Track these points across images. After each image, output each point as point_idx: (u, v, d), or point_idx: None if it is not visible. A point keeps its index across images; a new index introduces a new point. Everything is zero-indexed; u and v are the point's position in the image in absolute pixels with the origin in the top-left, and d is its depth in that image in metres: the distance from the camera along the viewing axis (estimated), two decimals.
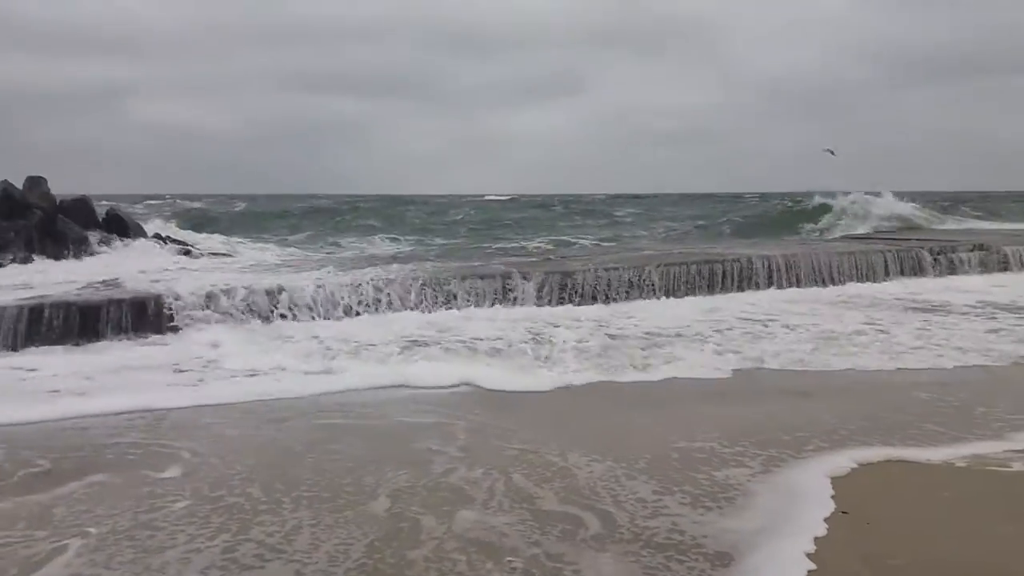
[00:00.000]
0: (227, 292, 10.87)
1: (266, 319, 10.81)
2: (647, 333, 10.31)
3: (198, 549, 4.22)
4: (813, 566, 3.90)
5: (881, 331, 10.48)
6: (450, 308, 11.90)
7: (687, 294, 13.68)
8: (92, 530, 4.49)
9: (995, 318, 11.51)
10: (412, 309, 11.70)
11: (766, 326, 10.78)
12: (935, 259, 16.39)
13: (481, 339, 9.76)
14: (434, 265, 14.63)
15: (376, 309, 11.54)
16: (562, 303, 12.59)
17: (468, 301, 12.13)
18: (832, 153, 28.96)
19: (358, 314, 11.37)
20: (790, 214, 29.95)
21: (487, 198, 70.79)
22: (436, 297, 11.97)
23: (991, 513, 4.68)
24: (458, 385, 7.78)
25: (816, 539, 4.19)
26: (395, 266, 14.32)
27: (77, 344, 9.62)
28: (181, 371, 8.45)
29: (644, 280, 13.47)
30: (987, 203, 43.60)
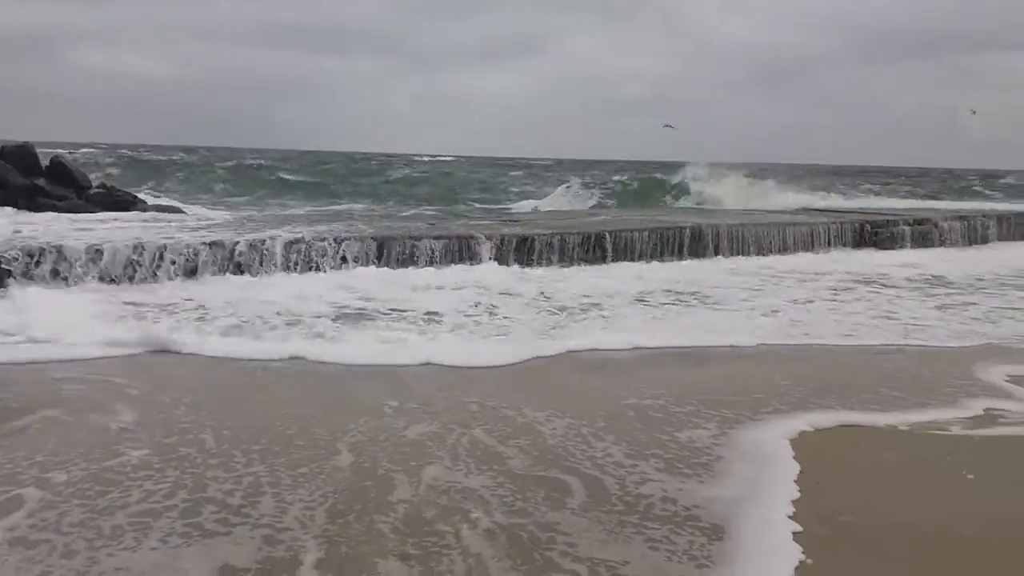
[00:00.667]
0: (172, 248, 10.54)
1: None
2: (592, 298, 10.16)
3: (155, 511, 4.00)
4: (798, 527, 3.88)
5: (824, 301, 10.59)
6: (402, 267, 11.64)
7: (637, 259, 13.70)
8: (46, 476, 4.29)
9: (936, 292, 11.76)
10: (346, 266, 11.32)
11: (703, 298, 10.60)
12: (875, 232, 16.70)
13: (433, 311, 9.13)
14: (386, 225, 14.36)
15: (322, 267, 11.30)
16: (518, 264, 12.50)
17: (420, 261, 11.93)
18: (672, 127, 29.16)
19: (323, 270, 11.12)
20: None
21: (442, 158, 69.89)
22: (386, 257, 11.74)
23: (935, 475, 4.77)
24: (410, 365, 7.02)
25: (793, 502, 4.17)
26: (339, 224, 14.01)
27: None
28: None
29: (595, 245, 13.45)
30: (921, 179, 44.72)
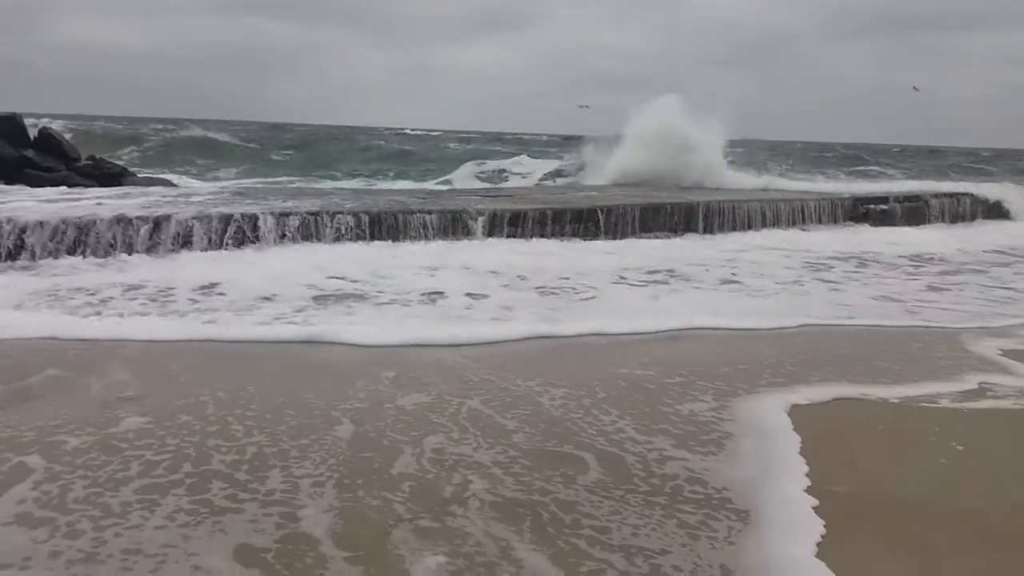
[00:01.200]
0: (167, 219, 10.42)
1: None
2: (584, 276, 9.94)
3: (160, 486, 3.93)
4: (816, 501, 3.87)
5: (817, 282, 10.48)
6: (394, 242, 11.54)
7: (629, 234, 13.67)
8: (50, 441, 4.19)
9: (928, 269, 11.80)
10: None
11: (694, 277, 10.37)
12: (865, 209, 16.73)
13: (424, 289, 8.77)
14: (378, 199, 14.24)
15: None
16: (511, 239, 12.44)
17: (412, 237, 11.84)
18: (586, 107, 28.95)
19: (315, 245, 10.99)
20: None
21: (433, 132, 69.21)
22: (378, 231, 11.64)
23: (936, 447, 4.76)
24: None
25: (806, 475, 4.16)
26: (330, 199, 13.87)
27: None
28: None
29: (587, 220, 13.40)
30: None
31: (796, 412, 5.23)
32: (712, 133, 20.69)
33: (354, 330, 6.92)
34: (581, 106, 27.94)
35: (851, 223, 16.32)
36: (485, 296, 8.65)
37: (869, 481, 4.22)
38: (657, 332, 7.43)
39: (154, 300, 7.94)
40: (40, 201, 11.63)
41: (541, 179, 25.17)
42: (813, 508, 3.79)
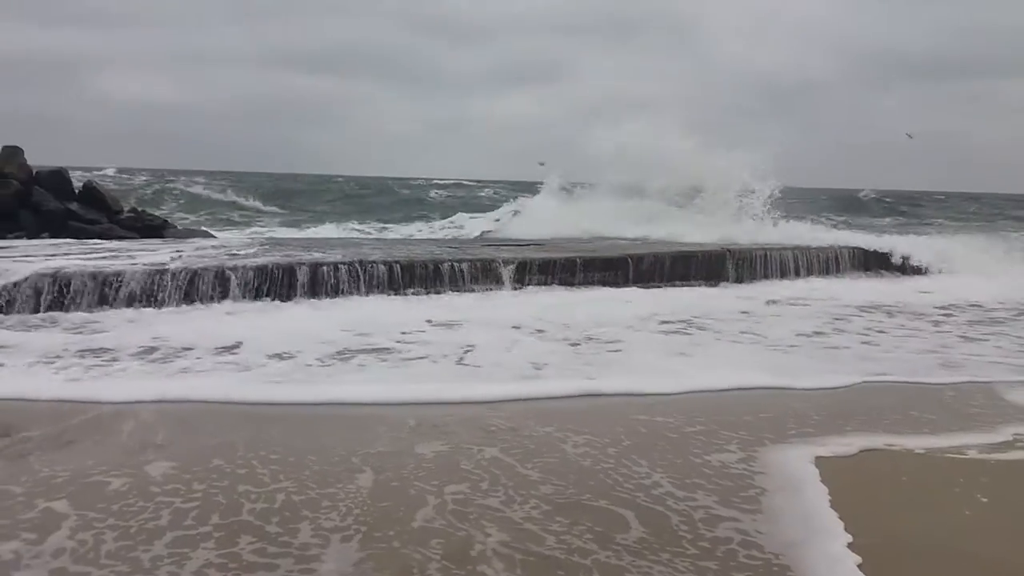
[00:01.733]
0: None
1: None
2: (614, 328, 9.75)
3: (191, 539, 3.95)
4: (859, 558, 3.80)
5: (851, 333, 10.25)
6: (424, 294, 11.64)
7: (658, 282, 13.64)
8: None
9: (959, 318, 11.63)
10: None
11: (718, 330, 10.01)
12: (897, 258, 16.55)
13: (454, 343, 8.54)
14: (409, 248, 14.38)
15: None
16: (539, 287, 12.50)
17: (442, 288, 11.92)
18: (542, 165, 27.62)
19: (344, 298, 11.14)
20: None
21: (465, 182, 69.80)
22: (408, 282, 11.75)
23: (958, 498, 4.69)
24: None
25: (844, 530, 4.10)
26: (364, 249, 14.04)
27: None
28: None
29: (617, 269, 13.42)
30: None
31: (824, 463, 5.15)
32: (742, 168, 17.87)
33: (378, 389, 6.77)
34: (541, 164, 25.72)
35: (885, 272, 16.15)
36: (512, 349, 8.47)
37: (901, 532, 4.19)
38: (692, 392, 7.07)
39: (178, 357, 7.75)
40: (81, 253, 11.89)
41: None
42: (858, 566, 3.73)
